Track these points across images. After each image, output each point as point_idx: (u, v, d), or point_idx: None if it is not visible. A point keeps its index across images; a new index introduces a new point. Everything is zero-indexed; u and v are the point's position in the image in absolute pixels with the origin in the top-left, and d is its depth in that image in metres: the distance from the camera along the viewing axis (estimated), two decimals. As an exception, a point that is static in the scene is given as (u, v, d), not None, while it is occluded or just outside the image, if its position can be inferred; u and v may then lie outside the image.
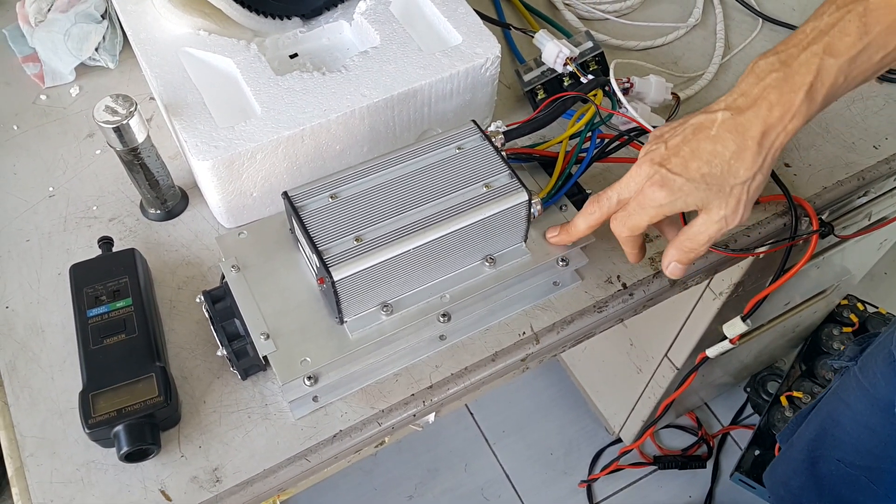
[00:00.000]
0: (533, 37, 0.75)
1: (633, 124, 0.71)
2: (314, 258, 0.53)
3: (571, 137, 0.64)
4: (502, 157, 0.58)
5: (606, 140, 0.66)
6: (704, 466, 1.41)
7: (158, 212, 0.68)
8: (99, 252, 0.64)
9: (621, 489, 1.40)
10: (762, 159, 0.52)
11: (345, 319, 0.55)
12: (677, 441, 1.45)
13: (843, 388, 0.82)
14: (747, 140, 0.51)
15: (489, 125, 0.74)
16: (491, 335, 0.63)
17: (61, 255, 0.66)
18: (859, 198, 0.82)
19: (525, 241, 0.60)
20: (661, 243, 0.69)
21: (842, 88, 0.52)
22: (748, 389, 1.46)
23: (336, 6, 0.75)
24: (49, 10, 0.78)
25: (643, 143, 0.67)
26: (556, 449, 1.43)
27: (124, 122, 0.58)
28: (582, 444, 1.43)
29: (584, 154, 0.64)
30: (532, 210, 0.57)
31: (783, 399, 1.29)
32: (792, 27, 0.87)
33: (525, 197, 0.56)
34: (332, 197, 0.55)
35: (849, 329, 1.33)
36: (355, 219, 0.54)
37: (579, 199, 0.64)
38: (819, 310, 1.28)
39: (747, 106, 0.51)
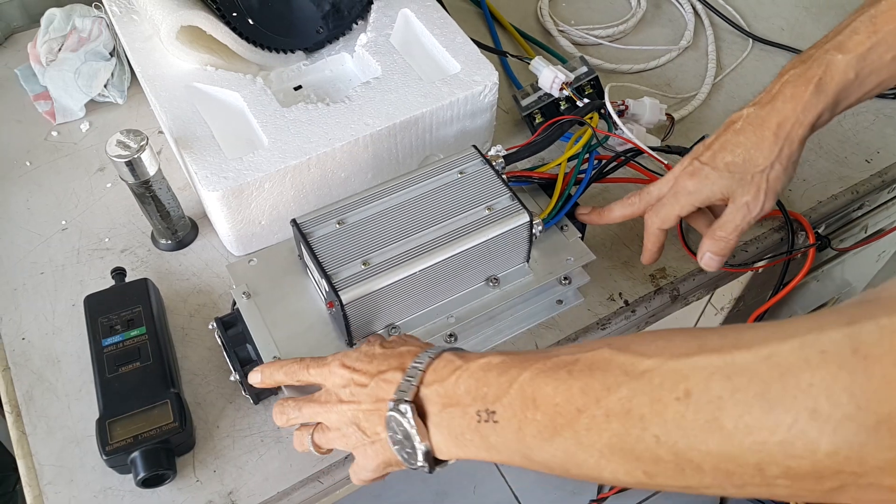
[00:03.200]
0: (529, 63, 0.77)
1: (629, 145, 0.73)
2: (323, 283, 0.54)
3: (570, 159, 0.66)
4: (503, 180, 0.60)
5: (604, 161, 0.68)
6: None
7: (169, 242, 0.70)
8: (112, 282, 0.66)
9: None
10: (779, 149, 0.56)
11: (354, 342, 0.56)
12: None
13: None
14: (765, 131, 0.56)
15: (489, 149, 0.76)
16: (497, 354, 0.64)
17: (75, 287, 0.67)
18: (854, 211, 0.84)
19: (527, 261, 0.62)
20: (660, 260, 0.71)
21: (855, 85, 0.55)
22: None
23: (338, 39, 0.77)
24: (59, 49, 0.81)
25: (639, 164, 0.69)
26: (564, 469, 1.43)
27: (136, 155, 0.60)
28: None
29: (582, 175, 0.66)
30: (534, 231, 0.59)
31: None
32: (782, 47, 0.89)
33: (526, 218, 0.57)
34: (339, 223, 0.57)
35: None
36: (362, 243, 0.56)
37: (580, 222, 0.65)
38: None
39: (767, 101, 0.57)
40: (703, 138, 0.65)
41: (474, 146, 0.62)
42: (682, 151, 0.75)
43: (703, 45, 0.90)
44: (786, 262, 0.72)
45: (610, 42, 0.89)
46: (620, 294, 0.68)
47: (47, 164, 0.77)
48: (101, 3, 0.79)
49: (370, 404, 0.46)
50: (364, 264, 0.54)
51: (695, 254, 0.70)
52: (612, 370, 0.36)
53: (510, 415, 0.39)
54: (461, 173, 0.60)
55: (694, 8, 0.93)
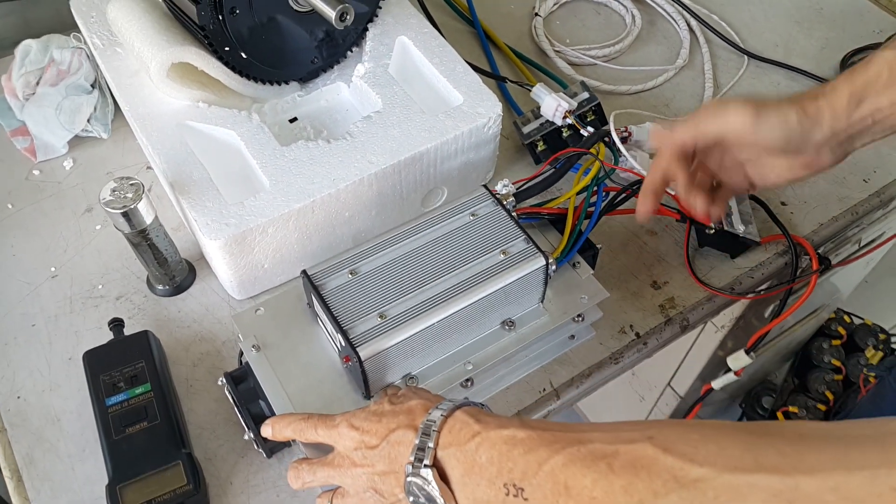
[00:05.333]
0: (531, 91, 0.76)
1: (632, 172, 0.72)
2: (339, 337, 0.53)
3: (578, 193, 0.65)
4: (516, 221, 0.58)
5: (613, 193, 0.67)
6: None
7: (166, 287, 0.67)
8: (109, 334, 0.63)
9: None
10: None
11: (371, 395, 0.55)
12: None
13: (879, 396, 0.83)
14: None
15: (490, 177, 0.75)
16: (512, 394, 0.63)
17: (70, 339, 0.65)
18: (851, 228, 0.84)
19: (542, 302, 0.60)
20: (669, 290, 0.70)
21: (883, 82, 0.52)
22: (743, 405, 1.47)
23: (332, 67, 0.75)
24: (38, 83, 0.77)
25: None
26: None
27: (132, 205, 0.58)
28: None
29: (591, 208, 0.65)
30: (549, 272, 0.58)
31: (780, 415, 1.31)
32: (777, 63, 0.89)
33: (543, 262, 0.56)
34: (351, 273, 0.55)
35: (837, 342, 1.36)
36: (377, 295, 0.54)
37: (591, 254, 0.65)
38: (809, 326, 1.30)
39: None
40: None
41: (485, 186, 0.61)
42: (687, 178, 0.74)
43: (699, 63, 0.90)
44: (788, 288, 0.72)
45: (606, 62, 0.88)
46: (631, 326, 0.68)
47: (31, 205, 0.74)
48: (81, 34, 0.75)
49: (384, 466, 0.45)
50: (381, 317, 0.53)
51: (701, 281, 0.70)
52: (658, 473, 0.34)
53: (541, 496, 0.38)
54: (473, 215, 0.59)
55: (688, 24, 0.92)
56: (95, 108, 0.78)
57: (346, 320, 0.53)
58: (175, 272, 0.67)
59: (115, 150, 0.79)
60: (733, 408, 1.51)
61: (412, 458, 0.42)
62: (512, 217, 0.59)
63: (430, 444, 0.42)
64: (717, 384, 0.89)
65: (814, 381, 1.35)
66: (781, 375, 1.44)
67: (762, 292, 0.72)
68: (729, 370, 0.84)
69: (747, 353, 0.80)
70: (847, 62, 0.90)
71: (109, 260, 0.70)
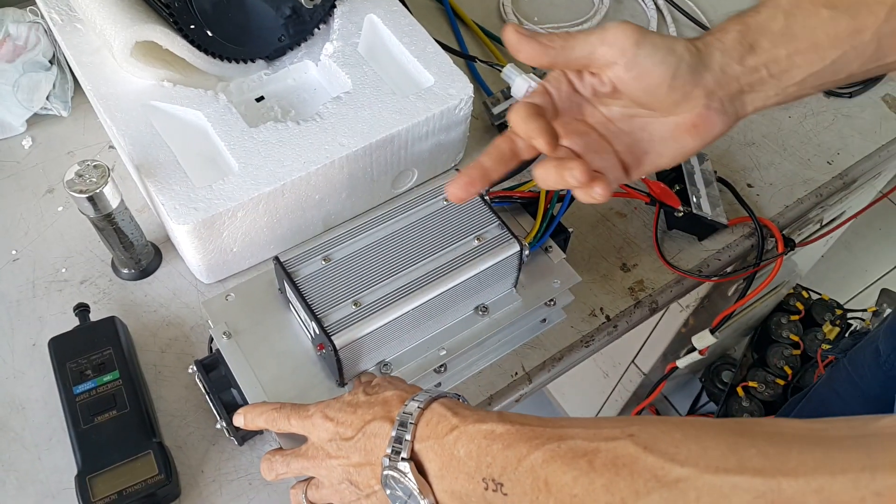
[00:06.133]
0: (500, 71, 0.75)
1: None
2: (313, 325, 0.52)
3: (550, 176, 0.65)
4: (490, 207, 0.58)
5: (583, 177, 0.67)
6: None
7: (132, 271, 0.66)
8: (75, 319, 0.62)
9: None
10: None
11: (345, 382, 0.55)
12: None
13: (835, 380, 0.86)
14: None
15: (460, 160, 0.74)
16: (484, 378, 0.64)
17: (34, 324, 0.63)
18: (815, 209, 0.86)
19: (515, 287, 0.61)
20: (638, 272, 0.71)
21: (778, 28, 0.45)
22: (703, 379, 1.51)
23: (299, 45, 0.73)
24: (-7, 58, 0.74)
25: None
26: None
27: (97, 190, 0.56)
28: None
29: (563, 192, 0.65)
30: (522, 258, 0.58)
31: (739, 390, 1.35)
32: (742, 44, 0.90)
33: (517, 248, 0.57)
34: (325, 260, 0.55)
35: (796, 317, 1.40)
36: (351, 282, 0.54)
37: (562, 238, 0.65)
38: (769, 302, 1.34)
39: None
40: None
41: (458, 170, 0.60)
42: (656, 160, 0.75)
43: (667, 43, 0.90)
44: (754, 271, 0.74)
45: (575, 41, 0.88)
46: (602, 309, 0.69)
47: (-12, 186, 0.71)
48: (38, 8, 0.72)
49: (360, 458, 0.45)
50: (355, 304, 0.53)
51: (670, 264, 0.71)
52: (639, 472, 0.34)
53: (520, 492, 0.38)
54: (447, 201, 0.59)
55: (655, 3, 0.93)
56: (54, 86, 0.75)
57: (321, 308, 0.52)
58: (141, 256, 0.65)
59: (76, 128, 0.76)
60: (693, 382, 1.55)
61: (389, 451, 0.42)
62: (486, 202, 0.59)
63: (407, 437, 0.42)
64: (681, 363, 0.92)
65: (772, 356, 1.39)
66: (741, 350, 1.48)
67: (730, 274, 0.73)
68: (693, 349, 0.86)
69: (712, 332, 0.82)
70: (812, 45, 0.91)
71: (73, 243, 0.68)
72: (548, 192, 0.65)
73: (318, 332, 0.52)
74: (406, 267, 0.55)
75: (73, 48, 0.67)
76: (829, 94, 0.87)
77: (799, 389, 1.34)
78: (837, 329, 1.35)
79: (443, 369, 0.59)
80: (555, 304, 0.63)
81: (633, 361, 1.09)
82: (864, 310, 1.38)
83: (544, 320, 0.65)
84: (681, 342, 1.03)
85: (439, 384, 0.61)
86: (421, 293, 0.54)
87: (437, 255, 0.56)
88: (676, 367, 0.92)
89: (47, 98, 0.74)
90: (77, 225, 0.69)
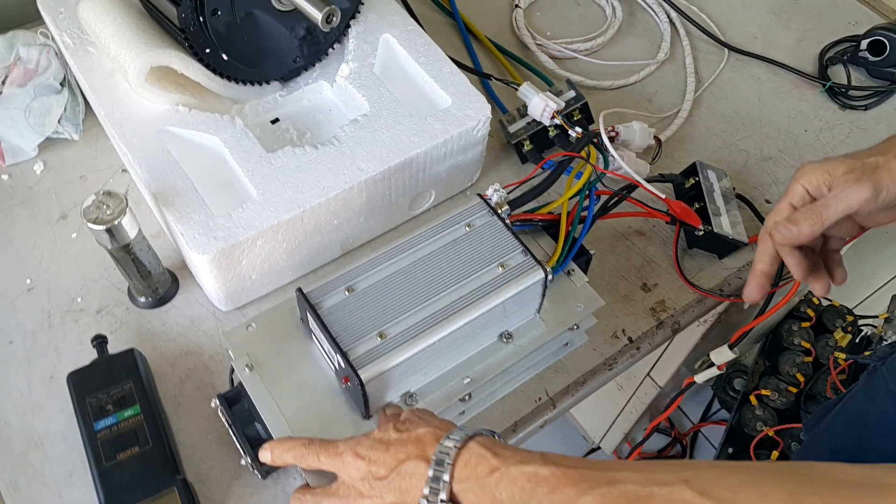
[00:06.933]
0: (517, 90, 0.75)
1: (620, 173, 0.72)
2: (338, 358, 0.52)
3: (570, 198, 0.64)
4: (513, 232, 0.58)
5: (605, 197, 0.67)
6: (680, 466, 1.45)
7: (149, 300, 0.65)
8: (91, 350, 0.61)
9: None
10: None
11: (371, 415, 0.54)
12: (652, 443, 1.49)
13: (872, 388, 0.85)
14: None
15: (476, 179, 0.74)
16: (508, 403, 0.63)
17: (50, 356, 0.62)
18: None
19: (538, 312, 0.60)
20: (659, 292, 0.70)
21: None
22: (715, 387, 1.50)
23: (314, 65, 0.73)
24: (3, 82, 0.73)
25: (635, 198, 0.69)
26: (537, 462, 1.45)
27: (115, 221, 0.55)
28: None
29: (584, 212, 0.64)
30: (546, 283, 0.57)
31: (752, 398, 1.34)
32: (754, 55, 0.90)
33: (542, 275, 0.56)
34: (348, 290, 0.54)
35: (807, 324, 1.39)
36: (375, 313, 0.53)
37: (584, 260, 0.64)
38: (781, 310, 1.33)
39: None
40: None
41: (480, 196, 0.60)
42: (674, 179, 0.74)
43: (680, 56, 0.89)
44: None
45: (587, 56, 0.87)
46: (623, 331, 0.68)
47: (1, 212, 0.70)
48: (48, 31, 0.72)
49: (394, 498, 0.44)
50: (380, 337, 0.52)
51: (691, 283, 0.71)
52: None
53: None
54: (469, 226, 0.58)
55: (669, 16, 0.92)
56: (66, 108, 0.74)
57: (346, 341, 0.51)
58: (158, 284, 0.64)
59: (88, 151, 0.75)
60: (705, 390, 1.54)
61: (426, 492, 0.41)
62: (508, 228, 0.58)
63: (446, 478, 0.41)
64: (699, 378, 0.90)
65: (784, 363, 1.38)
66: (752, 357, 1.47)
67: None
68: (712, 364, 0.85)
69: (730, 347, 0.81)
70: (825, 55, 0.91)
71: (88, 270, 0.67)
72: (569, 213, 0.64)
73: (343, 365, 0.51)
74: (431, 296, 0.54)
75: (86, 72, 0.67)
76: (844, 106, 0.86)
77: (812, 397, 1.33)
78: (849, 336, 1.34)
79: (467, 397, 0.58)
80: (578, 328, 0.62)
81: (648, 374, 1.09)
82: (876, 316, 1.37)
83: (567, 344, 0.65)
84: (697, 355, 1.03)
85: (463, 412, 0.60)
86: (446, 323, 0.53)
87: (462, 283, 0.55)
88: (694, 382, 0.91)
89: (58, 121, 0.74)
90: (92, 252, 0.68)
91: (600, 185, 0.68)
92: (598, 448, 1.45)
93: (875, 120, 0.85)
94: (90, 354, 0.61)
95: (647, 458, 1.47)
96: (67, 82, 0.76)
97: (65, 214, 0.70)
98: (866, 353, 1.28)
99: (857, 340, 1.38)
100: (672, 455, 1.47)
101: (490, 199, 0.61)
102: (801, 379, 1.34)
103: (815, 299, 1.42)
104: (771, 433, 1.29)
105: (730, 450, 1.35)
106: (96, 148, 0.75)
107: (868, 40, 0.87)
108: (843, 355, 1.30)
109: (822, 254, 0.61)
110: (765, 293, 0.60)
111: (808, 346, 1.37)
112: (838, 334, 1.36)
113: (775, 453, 1.28)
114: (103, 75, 0.66)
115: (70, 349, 0.63)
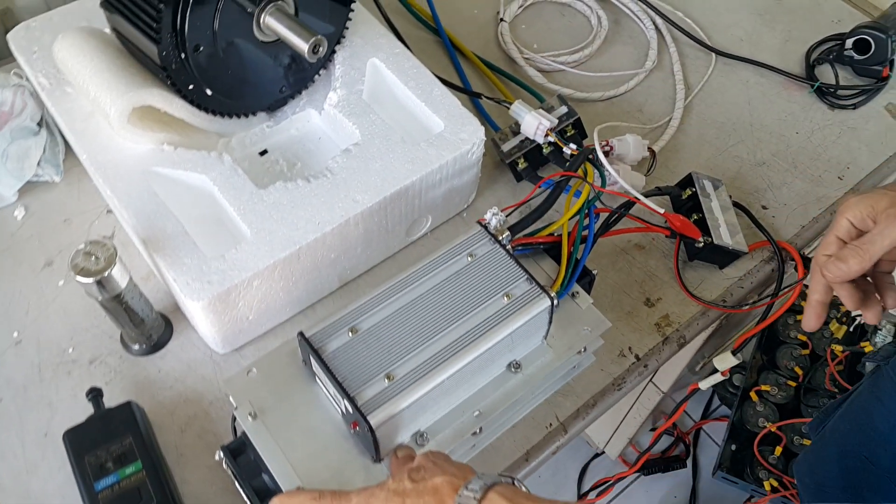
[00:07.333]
0: (509, 108, 0.73)
1: (617, 187, 0.71)
2: (344, 403, 0.50)
3: (570, 218, 0.63)
4: (516, 260, 0.56)
5: (605, 215, 0.66)
6: (685, 466, 1.45)
7: (143, 346, 0.63)
8: (86, 403, 0.59)
9: (610, 501, 1.42)
10: None
11: (381, 458, 0.52)
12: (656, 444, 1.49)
13: (877, 387, 0.84)
14: None
15: (472, 200, 0.72)
16: (518, 432, 0.62)
17: (43, 412, 0.60)
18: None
19: (545, 338, 0.59)
20: (662, 307, 0.70)
21: None
22: (714, 385, 1.50)
23: (300, 93, 0.71)
24: (-23, 126, 0.71)
25: (634, 214, 0.68)
26: (542, 471, 1.44)
27: (106, 273, 0.53)
28: (567, 462, 1.45)
29: (584, 231, 0.63)
30: (553, 310, 0.56)
31: (753, 395, 1.34)
32: (741, 59, 0.89)
33: (548, 302, 0.55)
34: (351, 332, 0.52)
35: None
36: (381, 353, 0.51)
37: (587, 281, 0.63)
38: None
39: None
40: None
41: (480, 223, 0.58)
42: (671, 191, 0.74)
43: (667, 63, 0.88)
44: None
45: (574, 67, 0.86)
46: (630, 349, 0.67)
47: (-18, 263, 0.68)
48: (22, 71, 0.69)
49: None
50: (388, 379, 0.50)
51: (693, 295, 0.70)
52: None
53: None
54: (471, 256, 0.57)
55: (654, 23, 0.91)
56: (44, 150, 0.72)
57: (353, 385, 0.50)
58: (152, 330, 0.62)
59: (70, 193, 0.73)
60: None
61: None
62: (511, 255, 0.57)
63: None
64: (703, 385, 0.90)
65: (782, 357, 1.38)
66: (749, 352, 1.47)
67: (754, 304, 0.72)
68: (716, 371, 0.85)
69: (734, 353, 0.81)
70: (811, 55, 0.90)
71: (78, 319, 0.65)
72: (570, 233, 0.63)
73: (351, 410, 0.50)
74: (437, 332, 0.53)
75: (65, 114, 0.65)
76: (833, 106, 0.86)
77: (811, 390, 1.33)
78: (844, 328, 1.35)
79: (478, 431, 0.57)
80: (585, 350, 0.61)
81: (651, 380, 1.08)
82: (869, 306, 1.38)
83: (575, 366, 0.63)
84: (698, 359, 1.02)
85: (474, 446, 0.59)
86: (455, 360, 0.52)
87: (467, 316, 0.54)
88: (698, 389, 0.91)
89: (38, 164, 0.71)
90: (81, 300, 0.66)
91: (599, 202, 0.67)
92: (603, 453, 1.45)
93: (864, 118, 0.85)
94: (85, 408, 0.59)
95: (653, 459, 1.46)
96: (45, 122, 0.73)
97: (50, 261, 0.68)
98: (862, 345, 1.28)
99: (851, 330, 1.38)
100: (676, 454, 1.47)
101: (489, 223, 0.59)
102: (800, 372, 1.34)
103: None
104: (773, 429, 1.29)
105: (733, 447, 1.35)
106: (79, 189, 0.73)
107: (853, 39, 0.86)
108: (839, 347, 1.30)
109: (872, 276, 0.61)
110: (822, 321, 0.62)
111: (804, 338, 1.37)
112: (833, 325, 1.36)
113: (779, 448, 1.28)
114: (83, 116, 0.64)
115: (64, 403, 0.60)
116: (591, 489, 1.38)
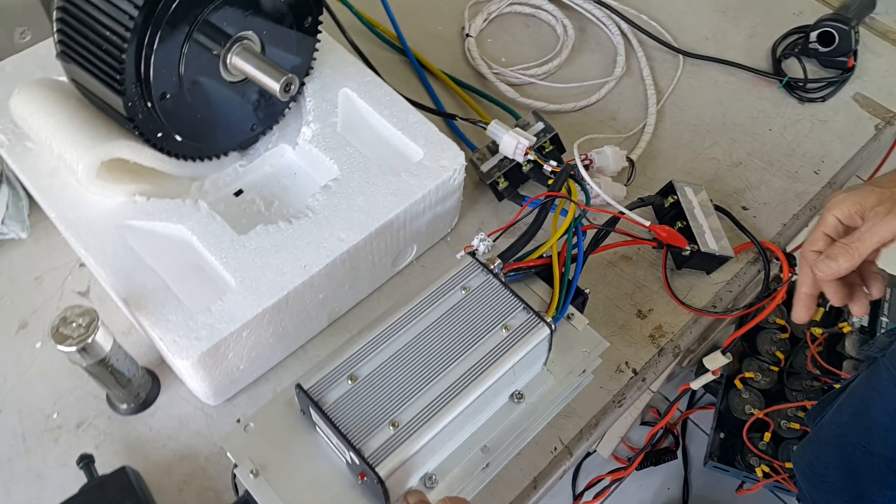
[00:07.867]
0: (485, 129, 0.72)
1: (600, 200, 0.71)
2: (350, 454, 0.49)
3: (558, 239, 0.63)
4: (511, 289, 0.56)
5: (592, 232, 0.65)
6: (676, 457, 1.46)
7: (131, 405, 0.61)
8: (77, 472, 0.56)
9: (605, 498, 1.43)
10: None
11: (392, 505, 0.51)
12: (644, 436, 1.50)
13: (875, 378, 0.85)
14: None
15: (455, 223, 0.71)
16: (524, 458, 0.61)
17: (32, 485, 0.58)
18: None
19: (545, 365, 0.58)
20: (654, 318, 0.69)
21: None
22: (698, 372, 1.52)
23: (271, 128, 0.69)
24: (-66, 187, 0.68)
25: (620, 228, 0.67)
26: (535, 476, 1.44)
27: (88, 339, 0.51)
28: (559, 465, 1.45)
29: (574, 250, 0.63)
30: (552, 337, 0.55)
31: (738, 382, 1.35)
32: (709, 59, 0.89)
33: (548, 331, 0.54)
34: (351, 379, 0.51)
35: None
36: (384, 400, 0.50)
37: (580, 300, 0.63)
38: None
39: None
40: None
41: (471, 254, 0.57)
42: (653, 201, 0.73)
43: (636, 69, 0.88)
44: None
45: (544, 81, 0.86)
46: (627, 363, 0.67)
47: (-48, 330, 0.65)
48: (-21, 127, 0.66)
49: None
50: (392, 426, 0.49)
51: (684, 304, 0.70)
52: None
53: None
54: (465, 289, 0.56)
55: (619, 28, 0.91)
56: (7, 206, 0.69)
57: (358, 437, 0.48)
58: (139, 388, 0.60)
59: (39, 249, 0.70)
60: (688, 376, 1.55)
61: None
62: (505, 285, 0.56)
63: None
64: (695, 385, 0.91)
65: (762, 342, 1.40)
66: (728, 337, 1.48)
67: (743, 308, 0.72)
68: (706, 370, 0.85)
69: (723, 353, 0.81)
70: (776, 50, 0.91)
71: (59, 381, 0.62)
72: (559, 254, 0.62)
73: (357, 462, 0.48)
74: (438, 373, 0.52)
75: (27, 171, 0.62)
76: (803, 100, 0.87)
77: (794, 373, 1.35)
78: (822, 309, 1.37)
79: (487, 466, 0.56)
80: (585, 371, 0.61)
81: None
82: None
83: (575, 388, 0.63)
84: (687, 355, 1.02)
85: (482, 480, 0.58)
86: (459, 399, 0.51)
87: (468, 353, 0.53)
88: (690, 389, 0.91)
89: (2, 221, 0.68)
90: (60, 361, 0.63)
91: (584, 220, 0.66)
92: (594, 451, 1.45)
93: (833, 110, 0.86)
94: (77, 476, 0.56)
95: (644, 453, 1.47)
96: (5, 177, 0.70)
97: (24, 323, 0.66)
98: (840, 326, 1.30)
99: (828, 310, 1.41)
100: (665, 446, 1.48)
101: (477, 249, 0.58)
102: (781, 356, 1.36)
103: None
104: (761, 415, 1.31)
105: (721, 435, 1.37)
106: (48, 244, 0.70)
107: (817, 32, 0.87)
108: (819, 330, 1.33)
109: (857, 267, 0.61)
110: (812, 313, 0.63)
111: (782, 322, 1.39)
112: (810, 308, 1.38)
113: (767, 434, 1.29)
114: (47, 173, 0.62)
115: (53, 473, 0.58)
116: (587, 489, 1.38)
